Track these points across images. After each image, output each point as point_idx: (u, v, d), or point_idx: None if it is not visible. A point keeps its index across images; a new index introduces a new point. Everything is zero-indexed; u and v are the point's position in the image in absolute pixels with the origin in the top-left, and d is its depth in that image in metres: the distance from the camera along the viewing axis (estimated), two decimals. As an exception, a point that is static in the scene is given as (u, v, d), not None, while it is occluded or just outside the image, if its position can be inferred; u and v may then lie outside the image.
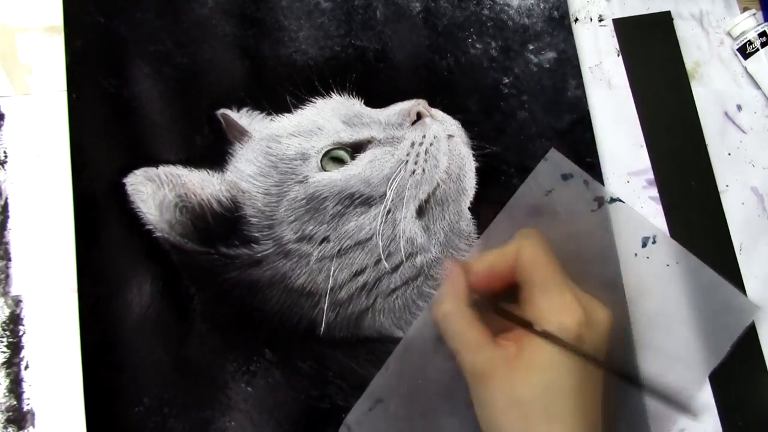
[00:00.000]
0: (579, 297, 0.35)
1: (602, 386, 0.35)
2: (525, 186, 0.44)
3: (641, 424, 0.41)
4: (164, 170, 0.43)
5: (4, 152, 0.44)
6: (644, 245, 0.44)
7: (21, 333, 0.42)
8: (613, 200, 0.45)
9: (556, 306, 0.35)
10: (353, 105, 0.45)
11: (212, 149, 0.44)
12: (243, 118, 0.44)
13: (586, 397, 0.34)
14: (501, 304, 0.37)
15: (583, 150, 0.45)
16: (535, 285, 0.35)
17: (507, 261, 0.37)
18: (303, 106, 0.45)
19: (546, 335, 0.34)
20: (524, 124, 0.46)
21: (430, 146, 0.44)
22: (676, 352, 0.43)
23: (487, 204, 0.44)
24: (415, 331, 0.42)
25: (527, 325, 0.35)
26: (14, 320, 0.42)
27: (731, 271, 0.44)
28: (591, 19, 0.49)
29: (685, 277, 0.44)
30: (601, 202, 0.44)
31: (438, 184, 0.43)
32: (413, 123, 0.44)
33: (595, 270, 0.43)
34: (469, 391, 0.36)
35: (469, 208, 0.44)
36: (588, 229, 0.44)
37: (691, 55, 0.48)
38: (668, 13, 0.49)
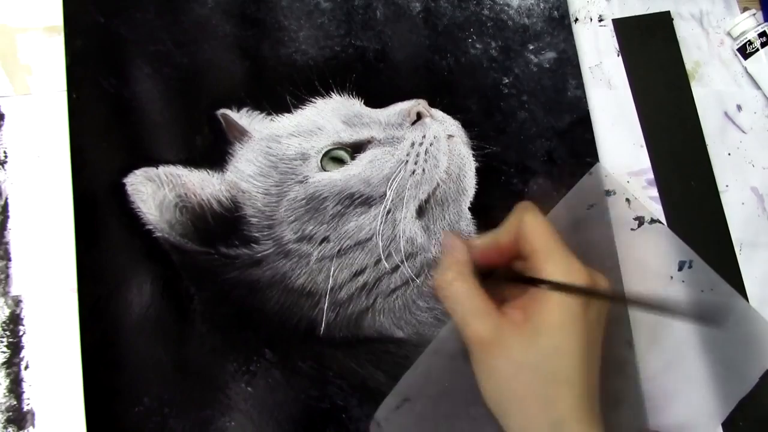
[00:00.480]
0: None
1: (602, 348, 0.36)
2: (567, 199, 0.44)
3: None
4: (164, 170, 0.43)
5: (4, 152, 0.44)
6: (680, 269, 0.44)
7: (21, 333, 0.42)
8: (653, 221, 0.44)
9: (564, 269, 0.35)
10: (353, 105, 0.45)
11: (212, 149, 0.44)
12: (243, 118, 0.44)
13: (590, 358, 0.35)
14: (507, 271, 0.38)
15: (583, 150, 0.45)
16: (541, 251, 0.36)
17: (510, 233, 0.37)
18: (303, 106, 0.45)
19: (561, 286, 0.34)
20: (524, 124, 0.46)
21: (430, 146, 0.43)
22: (704, 378, 0.42)
23: (487, 204, 0.44)
24: (446, 334, 0.41)
25: (539, 282, 0.35)
26: (14, 320, 0.42)
27: (731, 271, 0.44)
28: (591, 19, 0.49)
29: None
30: (641, 221, 0.44)
31: (438, 184, 0.43)
32: (413, 123, 0.44)
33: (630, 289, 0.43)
34: (472, 363, 0.36)
35: (469, 208, 0.44)
36: (625, 248, 0.43)
37: (691, 55, 0.48)
38: (668, 13, 0.49)
